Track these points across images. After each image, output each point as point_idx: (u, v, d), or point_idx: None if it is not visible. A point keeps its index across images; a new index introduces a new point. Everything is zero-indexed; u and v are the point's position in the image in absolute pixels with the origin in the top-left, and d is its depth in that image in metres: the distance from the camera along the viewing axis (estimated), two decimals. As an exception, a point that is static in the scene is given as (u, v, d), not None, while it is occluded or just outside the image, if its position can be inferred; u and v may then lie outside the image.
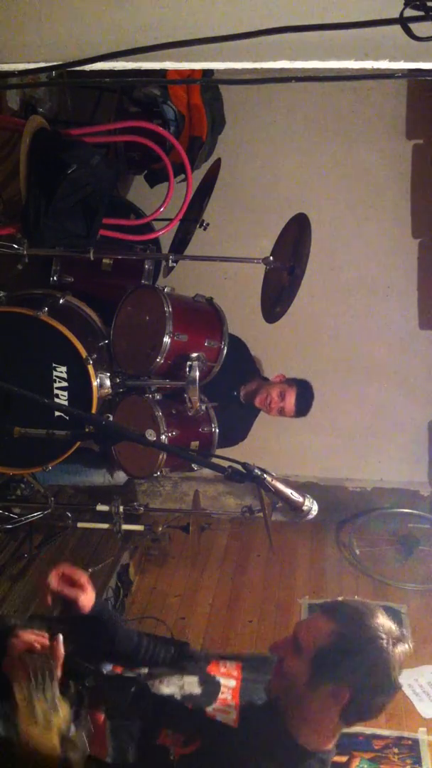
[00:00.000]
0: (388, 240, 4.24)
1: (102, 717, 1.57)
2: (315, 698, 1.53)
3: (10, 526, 3.37)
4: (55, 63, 1.67)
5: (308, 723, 1.56)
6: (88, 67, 1.65)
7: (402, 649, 1.57)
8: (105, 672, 1.71)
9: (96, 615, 1.67)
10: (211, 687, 1.67)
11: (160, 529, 3.52)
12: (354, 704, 1.52)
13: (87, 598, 1.65)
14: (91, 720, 1.53)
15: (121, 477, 3.63)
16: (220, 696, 1.64)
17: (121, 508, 3.25)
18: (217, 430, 3.03)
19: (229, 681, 1.68)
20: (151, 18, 1.58)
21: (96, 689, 1.56)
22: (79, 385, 2.66)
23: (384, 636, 1.55)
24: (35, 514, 3.34)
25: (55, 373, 2.66)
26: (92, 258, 2.86)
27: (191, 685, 1.66)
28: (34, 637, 1.44)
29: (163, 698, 1.64)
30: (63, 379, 2.66)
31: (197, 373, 2.76)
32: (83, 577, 1.66)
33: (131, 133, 3.11)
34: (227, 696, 1.64)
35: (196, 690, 1.66)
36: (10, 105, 3.35)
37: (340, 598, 1.65)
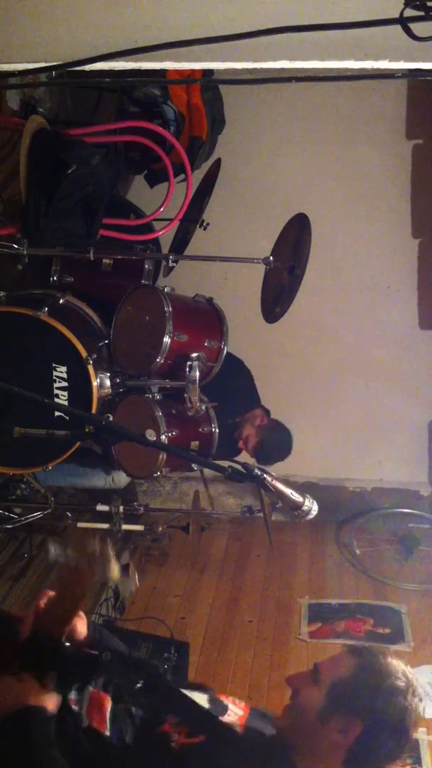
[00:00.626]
0: (388, 240, 4.24)
1: (107, 697, 1.55)
2: (324, 732, 1.50)
3: (10, 526, 3.36)
4: (55, 63, 1.66)
5: (313, 759, 1.51)
6: (88, 67, 1.65)
7: (420, 705, 1.51)
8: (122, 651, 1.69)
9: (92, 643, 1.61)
10: (219, 707, 1.64)
11: (160, 529, 3.52)
12: (362, 745, 1.48)
13: (81, 624, 1.59)
14: (95, 698, 1.53)
15: (122, 481, 3.63)
16: (227, 717, 1.61)
17: (121, 508, 3.25)
18: (217, 431, 3.03)
19: (236, 709, 1.65)
20: (151, 18, 1.58)
21: (109, 665, 1.57)
22: (79, 385, 2.66)
23: (404, 680, 1.51)
24: (35, 514, 3.34)
25: (55, 373, 2.65)
26: (92, 258, 2.85)
27: (200, 699, 1.63)
28: None
29: (174, 690, 1.62)
30: (63, 379, 2.66)
31: (197, 373, 2.75)
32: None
33: (131, 133, 3.11)
34: (234, 719, 1.61)
35: (204, 704, 1.63)
36: (10, 105, 3.35)
37: (366, 644, 1.63)
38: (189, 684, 1.83)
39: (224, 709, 1.64)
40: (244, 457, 3.48)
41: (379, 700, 1.49)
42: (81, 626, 1.58)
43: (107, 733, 1.49)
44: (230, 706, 1.66)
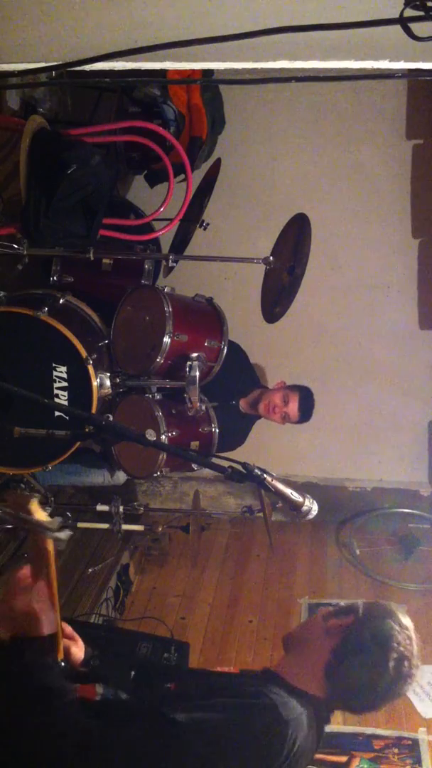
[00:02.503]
0: (388, 240, 4.24)
1: (94, 686, 1.56)
2: (319, 631, 1.66)
3: (10, 526, 3.36)
4: (55, 63, 1.66)
5: (300, 666, 1.65)
6: (88, 67, 1.65)
7: (412, 647, 1.61)
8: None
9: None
10: None
11: (160, 529, 3.51)
12: (344, 649, 1.60)
13: (78, 650, 1.58)
14: (83, 688, 1.52)
15: (121, 477, 3.63)
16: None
17: (121, 508, 3.24)
18: (217, 431, 3.03)
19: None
20: (151, 18, 1.58)
21: (97, 668, 1.59)
22: (79, 385, 2.66)
23: (399, 627, 1.61)
24: (35, 514, 3.34)
25: (55, 373, 2.65)
26: (92, 258, 2.85)
27: None
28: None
29: (166, 666, 1.67)
30: (63, 379, 2.66)
31: (197, 373, 2.75)
32: (68, 628, 1.57)
33: (131, 133, 3.11)
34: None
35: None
36: (10, 105, 3.35)
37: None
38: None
39: None
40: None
41: (372, 621, 1.62)
42: (76, 650, 1.58)
43: (97, 698, 1.52)
44: None
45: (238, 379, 3.55)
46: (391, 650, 1.57)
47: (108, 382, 2.79)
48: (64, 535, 1.43)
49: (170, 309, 2.77)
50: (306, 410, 3.52)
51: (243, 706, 1.48)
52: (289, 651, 1.72)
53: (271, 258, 2.98)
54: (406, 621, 1.63)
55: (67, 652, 1.54)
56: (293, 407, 3.49)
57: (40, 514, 1.44)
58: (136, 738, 1.40)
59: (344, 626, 1.63)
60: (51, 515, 1.44)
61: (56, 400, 2.65)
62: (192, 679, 1.65)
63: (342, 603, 1.68)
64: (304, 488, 1.77)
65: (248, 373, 3.74)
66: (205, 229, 3.34)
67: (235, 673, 1.73)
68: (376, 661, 1.58)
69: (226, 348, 2.98)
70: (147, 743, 1.40)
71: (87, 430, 2.02)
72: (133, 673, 1.65)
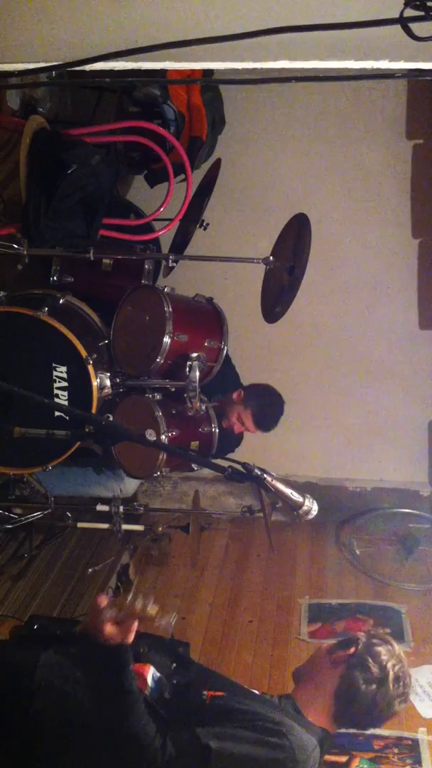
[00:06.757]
0: (388, 240, 4.24)
1: (147, 665, 1.82)
2: (325, 663, 1.91)
3: (10, 526, 3.36)
4: (55, 63, 1.66)
5: (310, 686, 1.91)
6: (88, 67, 1.65)
7: (396, 700, 1.87)
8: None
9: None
10: None
11: (160, 529, 3.52)
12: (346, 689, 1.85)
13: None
14: (137, 669, 1.75)
15: (129, 491, 3.63)
16: None
17: (121, 508, 3.25)
18: (217, 431, 3.03)
19: None
20: (151, 18, 1.58)
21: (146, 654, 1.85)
22: (79, 385, 2.66)
23: (379, 671, 1.86)
24: (35, 514, 3.34)
25: (55, 373, 2.66)
26: (92, 258, 2.86)
27: None
28: None
29: (201, 666, 1.92)
30: (63, 379, 2.66)
31: (197, 373, 2.75)
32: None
33: (131, 133, 3.11)
34: None
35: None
36: (10, 105, 3.35)
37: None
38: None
39: None
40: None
41: (372, 648, 1.89)
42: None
43: (147, 693, 1.73)
44: None
45: (221, 385, 3.40)
46: (390, 669, 1.85)
47: (108, 382, 2.79)
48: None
49: (170, 309, 2.77)
50: (264, 422, 3.39)
51: (266, 745, 1.69)
52: (300, 683, 1.96)
53: (271, 258, 2.98)
54: (398, 647, 1.93)
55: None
56: (249, 425, 3.37)
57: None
58: (173, 759, 1.60)
59: (348, 656, 1.89)
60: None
61: (56, 400, 2.65)
62: (222, 687, 1.84)
63: (338, 601, 1.77)
64: (304, 488, 1.77)
65: (230, 378, 3.59)
66: (205, 229, 3.34)
67: (258, 695, 1.91)
68: (380, 679, 1.84)
69: (226, 348, 2.99)
70: (181, 763, 1.61)
71: (87, 430, 2.02)
72: (174, 665, 1.86)
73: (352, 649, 1.90)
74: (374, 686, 1.83)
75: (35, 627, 1.96)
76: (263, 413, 3.40)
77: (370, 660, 1.86)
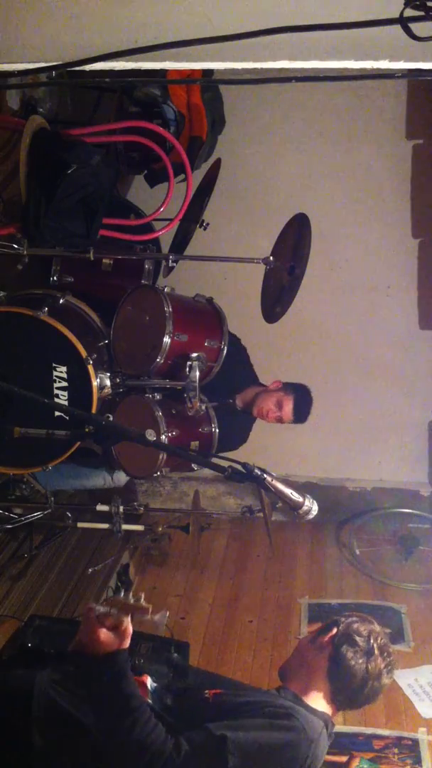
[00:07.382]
0: (388, 240, 4.24)
1: (146, 676, 1.83)
2: (311, 651, 1.96)
3: (10, 526, 3.36)
4: (55, 63, 1.66)
5: (302, 674, 1.95)
6: (88, 67, 1.65)
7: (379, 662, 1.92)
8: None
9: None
10: None
11: (160, 529, 3.52)
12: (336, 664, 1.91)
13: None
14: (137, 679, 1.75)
15: (122, 479, 3.63)
16: None
17: (121, 508, 3.24)
18: (217, 431, 3.03)
19: None
20: (151, 18, 1.58)
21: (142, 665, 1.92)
22: (79, 385, 2.66)
23: (377, 635, 1.95)
24: (35, 514, 3.34)
25: (55, 373, 2.66)
26: (92, 258, 2.86)
27: None
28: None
29: (199, 670, 1.97)
30: (63, 379, 2.66)
31: (197, 373, 2.75)
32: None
33: (131, 133, 3.11)
34: None
35: None
36: (10, 105, 3.35)
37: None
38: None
39: None
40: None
41: (353, 625, 1.97)
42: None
43: (149, 700, 1.75)
44: None
45: (235, 378, 3.49)
46: (374, 640, 1.92)
47: (108, 382, 2.79)
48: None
49: (170, 309, 2.77)
50: (301, 412, 3.46)
51: (278, 728, 1.73)
52: (290, 676, 1.99)
53: (271, 258, 2.98)
54: (376, 624, 2.00)
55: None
56: (287, 411, 3.42)
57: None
58: (189, 756, 1.62)
59: (332, 637, 1.95)
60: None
61: (56, 400, 2.65)
62: (221, 686, 1.89)
63: (338, 601, 1.84)
64: (304, 488, 1.77)
65: (247, 370, 3.70)
66: (205, 229, 3.34)
67: (258, 689, 2.01)
68: (367, 650, 1.91)
69: (226, 348, 2.98)
70: (200, 761, 1.64)
71: (87, 430, 2.02)
72: (171, 673, 1.92)
73: (334, 630, 1.97)
74: (363, 658, 1.90)
75: (29, 645, 2.01)
76: (305, 401, 3.46)
77: (354, 635, 1.94)
